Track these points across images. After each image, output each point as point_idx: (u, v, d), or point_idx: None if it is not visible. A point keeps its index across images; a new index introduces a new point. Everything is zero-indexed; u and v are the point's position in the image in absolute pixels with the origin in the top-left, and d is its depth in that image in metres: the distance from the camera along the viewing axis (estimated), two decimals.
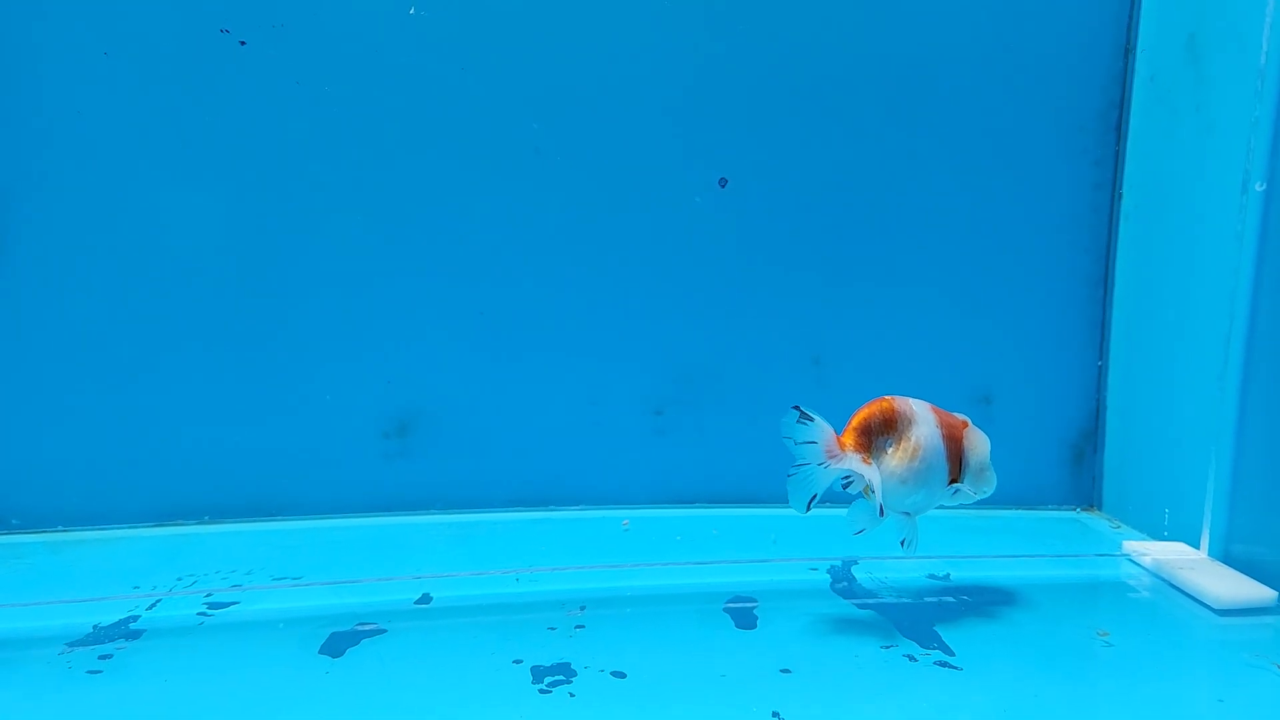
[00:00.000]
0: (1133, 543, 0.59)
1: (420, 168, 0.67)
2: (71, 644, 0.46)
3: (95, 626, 0.48)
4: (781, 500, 0.71)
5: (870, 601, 0.52)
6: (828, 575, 0.56)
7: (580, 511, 0.69)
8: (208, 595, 0.53)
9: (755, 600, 0.52)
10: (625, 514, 0.68)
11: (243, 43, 0.64)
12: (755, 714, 0.39)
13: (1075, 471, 0.71)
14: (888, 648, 0.46)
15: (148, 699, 0.41)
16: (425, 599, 0.53)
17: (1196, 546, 0.58)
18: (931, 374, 0.69)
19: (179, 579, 0.56)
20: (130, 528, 0.65)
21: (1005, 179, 0.69)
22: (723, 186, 0.69)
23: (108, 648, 0.46)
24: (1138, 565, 0.58)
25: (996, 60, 0.68)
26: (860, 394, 0.71)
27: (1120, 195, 0.68)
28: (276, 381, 0.67)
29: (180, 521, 0.66)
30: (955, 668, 0.44)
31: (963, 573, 0.56)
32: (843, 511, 0.71)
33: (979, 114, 0.68)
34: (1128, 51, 0.68)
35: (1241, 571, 0.54)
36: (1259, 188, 0.53)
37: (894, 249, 0.69)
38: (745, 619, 0.50)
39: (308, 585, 0.55)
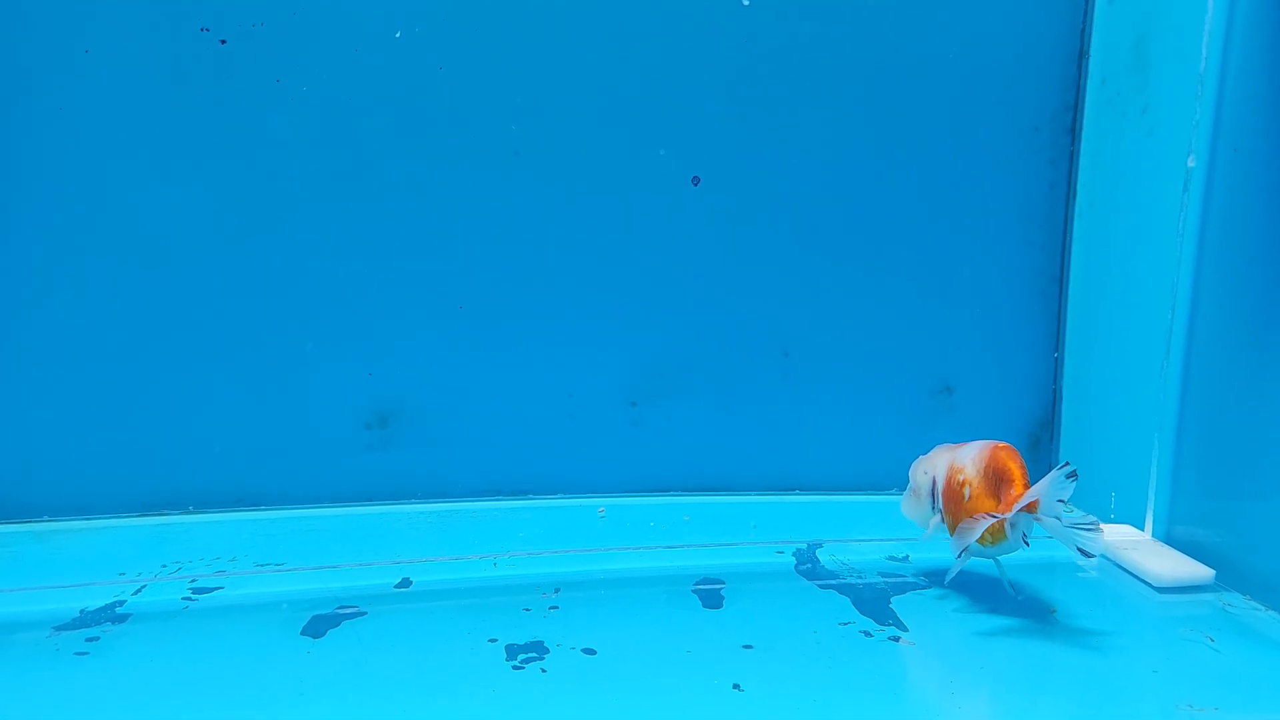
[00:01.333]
0: None
1: (400, 164, 0.68)
2: (59, 628, 0.48)
3: (82, 611, 0.50)
4: (751, 487, 0.75)
5: (831, 582, 0.55)
6: (793, 558, 0.59)
7: (557, 500, 0.71)
8: (192, 581, 0.55)
9: (723, 582, 0.54)
10: (601, 502, 0.70)
11: (223, 41, 0.66)
12: (717, 687, 0.42)
13: (1033, 459, 0.73)
14: (845, 624, 0.48)
15: (134, 679, 0.43)
16: (405, 583, 0.55)
17: (1141, 528, 0.61)
18: (896, 365, 0.72)
19: (164, 566, 0.57)
20: (115, 518, 0.66)
21: (966, 178, 0.72)
22: (695, 185, 0.71)
23: (94, 631, 0.48)
24: None
25: (957, 64, 0.70)
26: (827, 386, 0.75)
27: (1075, 193, 0.71)
28: (259, 373, 0.68)
29: (165, 511, 0.68)
30: (908, 642, 0.47)
31: (921, 554, 0.59)
32: (809, 497, 0.75)
33: (941, 115, 0.71)
34: (1081, 56, 0.70)
35: (1183, 551, 0.57)
36: (1190, 163, 0.56)
37: (860, 245, 0.72)
38: (712, 599, 0.52)
39: (290, 571, 0.57)
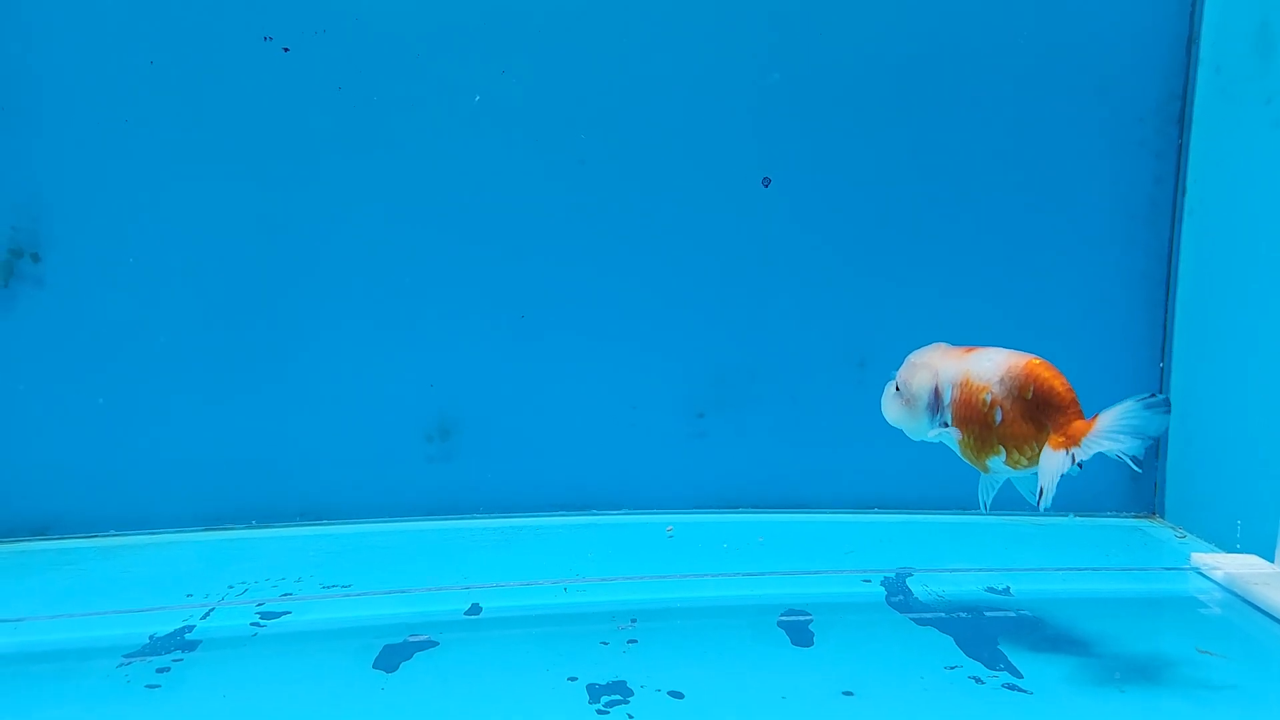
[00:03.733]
0: (1201, 555, 0.57)
1: (462, 172, 0.66)
2: (129, 655, 0.46)
3: (151, 637, 0.49)
4: (826, 504, 0.71)
5: (928, 616, 0.51)
6: (882, 588, 0.55)
7: (622, 516, 0.69)
8: (259, 605, 0.53)
9: (809, 614, 0.51)
10: (668, 519, 0.67)
11: (286, 49, 0.64)
12: None
13: (1134, 478, 0.68)
14: (952, 669, 0.45)
15: (206, 715, 0.41)
16: (475, 609, 0.52)
17: (1271, 560, 0.56)
18: None
19: (230, 587, 0.56)
20: (178, 532, 0.66)
21: (1061, 173, 0.67)
22: (766, 186, 0.67)
23: (164, 660, 0.46)
24: (1208, 579, 0.55)
25: (1051, 52, 0.66)
26: None
27: (1184, 190, 0.65)
28: (320, 386, 0.67)
29: (229, 526, 0.67)
30: (1024, 690, 0.43)
31: (1023, 586, 0.55)
32: (889, 516, 0.70)
33: (1030, 106, 0.66)
34: (1190, 41, 0.65)
35: None
36: None
37: (944, 248, 0.68)
38: (801, 634, 0.48)
39: (357, 595, 0.55)
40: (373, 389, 0.67)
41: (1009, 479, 0.47)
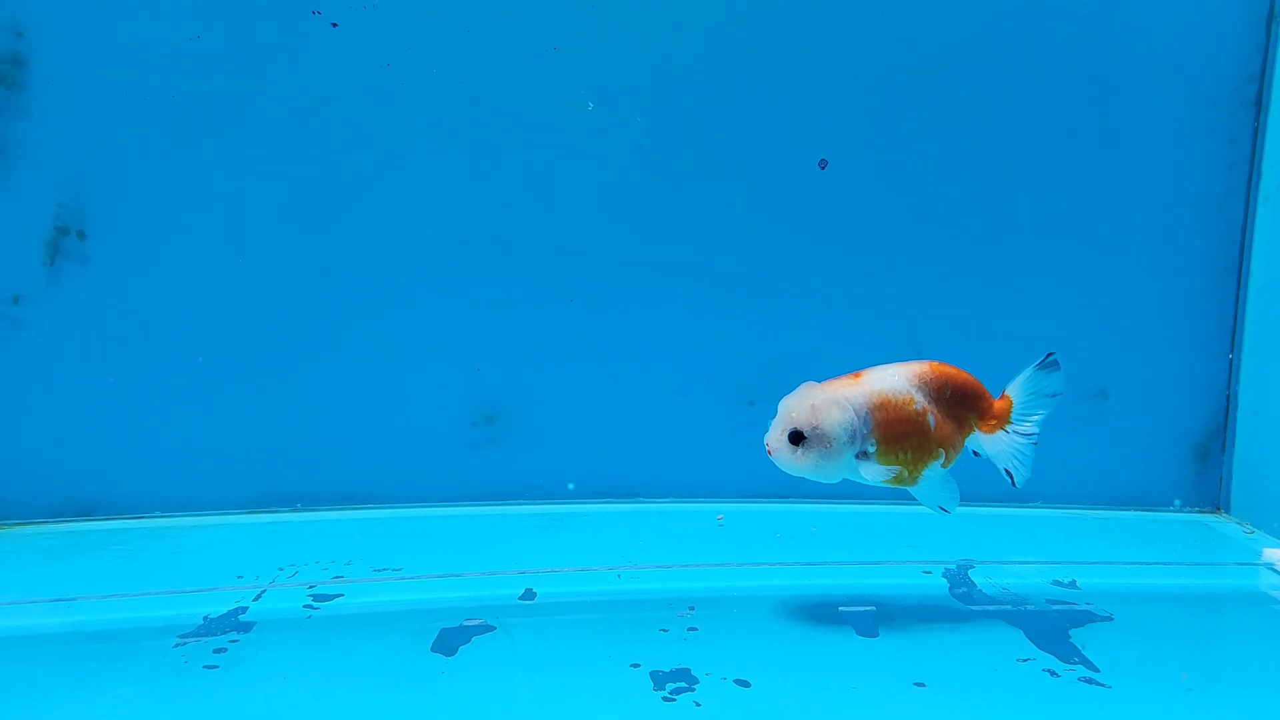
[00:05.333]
0: (1273, 550, 0.56)
1: (511, 153, 0.65)
2: (184, 636, 0.46)
3: (205, 618, 0.48)
4: (879, 495, 0.70)
5: (994, 609, 0.49)
6: (944, 579, 0.53)
7: (671, 504, 0.68)
8: (311, 587, 0.53)
9: (871, 605, 0.50)
10: (718, 508, 0.66)
11: (334, 24, 0.63)
12: None
13: (1200, 471, 0.66)
14: (1024, 661, 0.43)
15: (269, 696, 0.40)
16: (529, 594, 0.52)
17: None
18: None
19: (280, 569, 0.55)
20: (223, 514, 0.65)
21: (1128, 158, 0.65)
22: (823, 168, 0.66)
23: (220, 640, 0.46)
24: None
25: (1117, 30, 0.63)
26: None
27: (1259, 176, 0.63)
28: (365, 370, 0.66)
29: (273, 509, 0.66)
30: (1103, 685, 0.41)
31: (1089, 579, 0.53)
32: (959, 508, 0.69)
33: (1099, 90, 0.64)
34: (1270, 19, 0.62)
35: None
36: None
37: (1003, 233, 0.66)
38: (865, 625, 0.47)
39: (409, 578, 0.54)
40: (418, 374, 0.66)
41: (918, 494, 0.47)
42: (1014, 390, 0.47)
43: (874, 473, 0.45)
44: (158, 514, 0.65)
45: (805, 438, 0.44)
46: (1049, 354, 0.46)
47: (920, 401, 0.45)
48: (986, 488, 0.66)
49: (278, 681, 0.42)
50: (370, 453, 0.67)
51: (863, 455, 0.45)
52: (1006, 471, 0.47)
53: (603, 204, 0.66)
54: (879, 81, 0.64)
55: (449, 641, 0.45)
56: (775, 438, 0.45)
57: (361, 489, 0.67)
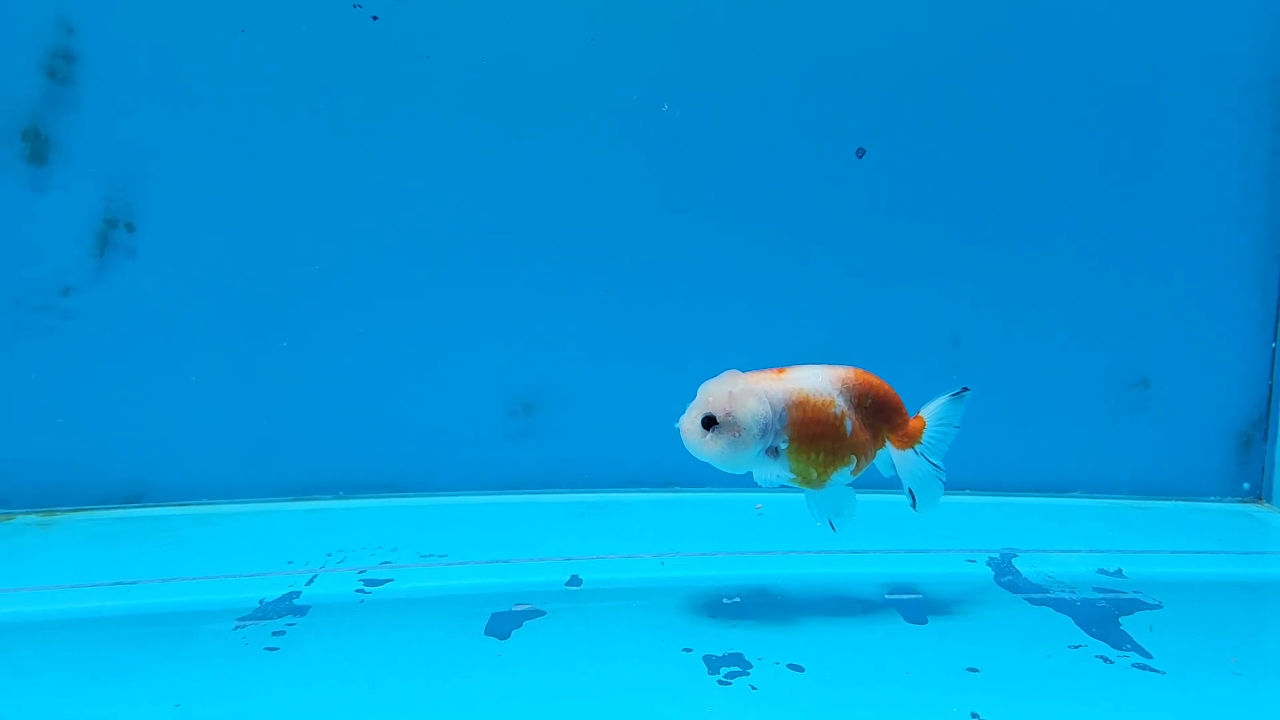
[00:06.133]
0: None
1: (547, 143, 0.65)
2: (243, 619, 0.47)
3: (261, 601, 0.49)
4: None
5: (1042, 597, 0.49)
6: (988, 568, 0.54)
7: (709, 494, 0.68)
8: (361, 572, 0.53)
9: (918, 592, 0.50)
10: (756, 497, 0.66)
11: (374, 18, 0.64)
12: (955, 715, 0.38)
13: (1242, 461, 0.66)
14: (1076, 648, 0.44)
15: (330, 676, 0.41)
16: (575, 580, 0.52)
17: None
18: (1085, 355, 0.66)
19: (329, 555, 0.56)
20: (267, 502, 0.66)
21: (1168, 145, 0.64)
22: (860, 157, 0.66)
23: (278, 623, 0.46)
24: None
25: (1156, 15, 0.63)
26: (1003, 378, 0.69)
27: None
28: (404, 359, 0.66)
29: (315, 497, 0.67)
30: (1156, 670, 0.41)
31: (1135, 568, 0.53)
32: (983, 498, 0.69)
33: (1138, 76, 0.64)
34: None
35: None
36: None
37: (1043, 221, 0.65)
38: (913, 612, 0.47)
39: (455, 564, 0.55)
40: (456, 364, 0.67)
41: (811, 500, 0.47)
42: (928, 413, 0.47)
43: (778, 471, 0.45)
44: (203, 501, 0.66)
45: (717, 423, 0.44)
46: (964, 388, 0.47)
47: (840, 406, 0.45)
48: (1024, 477, 0.68)
49: (338, 663, 0.42)
50: (409, 442, 0.68)
51: (773, 451, 0.45)
52: (909, 491, 0.47)
53: (639, 195, 0.66)
54: (919, 71, 0.64)
55: (502, 625, 0.46)
56: (689, 420, 0.45)
57: (401, 477, 0.68)
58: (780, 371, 0.46)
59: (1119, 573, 0.53)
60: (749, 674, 0.41)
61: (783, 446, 0.45)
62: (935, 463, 0.47)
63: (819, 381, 0.45)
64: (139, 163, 0.63)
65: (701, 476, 0.74)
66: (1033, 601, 0.49)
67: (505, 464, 0.69)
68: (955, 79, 0.64)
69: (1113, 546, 0.57)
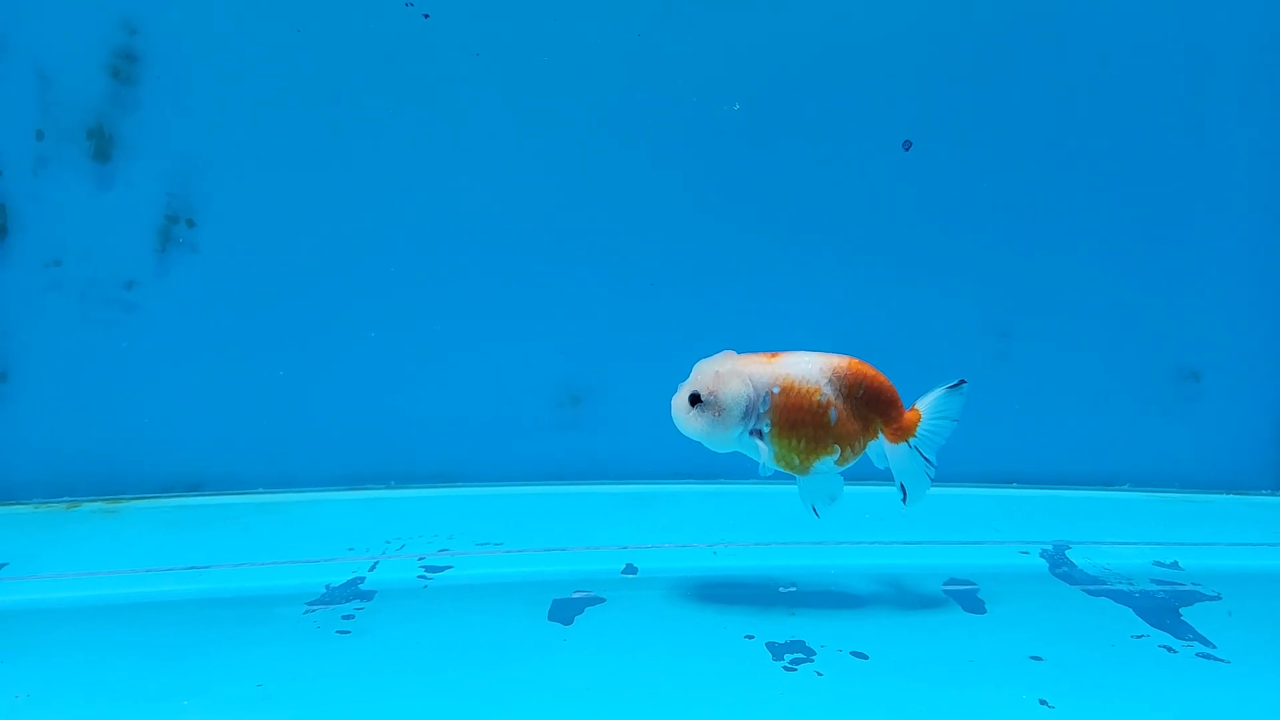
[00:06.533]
0: None
1: (593, 140, 0.65)
2: (312, 604, 0.48)
3: (327, 586, 0.50)
4: (963, 478, 0.70)
5: (1099, 588, 0.50)
6: (1042, 559, 0.54)
7: (755, 485, 0.69)
8: (420, 559, 0.55)
9: (974, 583, 0.50)
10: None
11: (426, 16, 0.65)
12: (1023, 701, 0.38)
13: None
14: (1139, 638, 0.44)
15: (405, 659, 0.42)
16: (630, 569, 0.53)
17: None
18: (1134, 347, 0.65)
19: (387, 542, 0.57)
20: (322, 490, 0.67)
21: (1217, 134, 0.64)
22: (907, 150, 0.66)
23: (346, 608, 0.48)
24: None
25: (1212, 20, 0.62)
26: (1052, 371, 0.69)
27: None
28: (454, 352, 0.67)
29: (368, 486, 0.68)
30: (1221, 660, 0.42)
31: (1191, 561, 0.53)
32: (1032, 491, 0.69)
33: (1184, 61, 0.63)
34: None
35: None
36: None
37: (1093, 213, 0.65)
38: (971, 602, 0.48)
39: (511, 552, 0.56)
40: (504, 356, 0.68)
41: (799, 485, 0.47)
42: (924, 405, 0.47)
43: (763, 453, 0.46)
44: (260, 489, 0.68)
45: (701, 401, 0.46)
46: (960, 380, 0.47)
47: (827, 394, 0.45)
48: (1073, 470, 0.67)
49: (410, 646, 0.44)
50: (459, 433, 0.69)
51: (756, 433, 0.45)
52: (901, 486, 0.47)
53: (686, 191, 0.66)
54: (966, 61, 0.64)
55: (564, 611, 0.47)
56: (679, 396, 0.47)
57: (451, 467, 0.69)
58: (774, 356, 0.46)
59: (1175, 565, 0.53)
60: (813, 660, 0.42)
61: (765, 430, 0.45)
62: (928, 458, 0.46)
63: (808, 369, 0.46)
64: (199, 160, 0.64)
65: (749, 469, 0.75)
66: (1090, 593, 0.49)
67: (553, 455, 0.69)
68: (1001, 69, 0.64)
69: (1167, 539, 0.57)
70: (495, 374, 0.69)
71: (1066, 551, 0.55)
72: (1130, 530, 0.58)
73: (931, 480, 0.46)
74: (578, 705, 0.38)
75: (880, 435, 0.46)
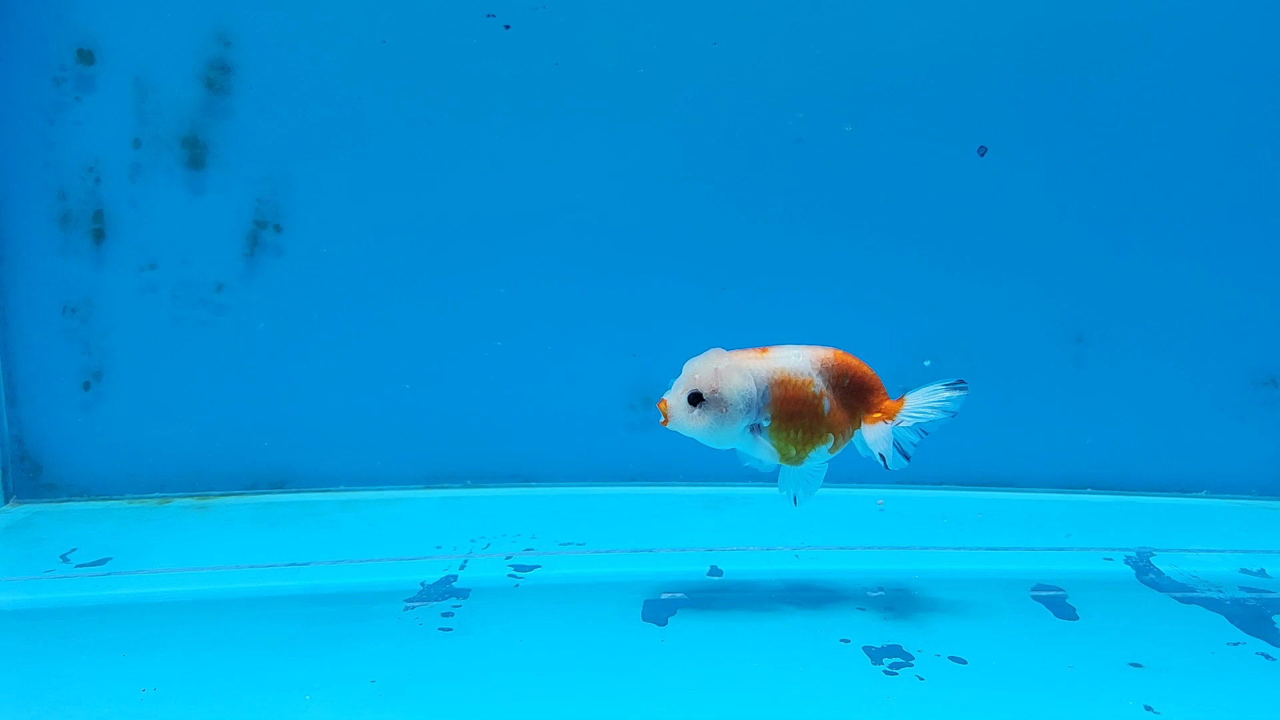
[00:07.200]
0: None
1: (672, 147, 0.66)
2: (410, 600, 0.50)
3: (422, 584, 0.52)
4: (1036, 483, 0.70)
5: (1189, 595, 0.50)
6: (1127, 566, 0.54)
7: (827, 488, 0.68)
8: (508, 558, 0.56)
9: (1061, 589, 0.51)
10: (876, 493, 0.67)
11: (507, 26, 0.66)
12: (1128, 707, 0.38)
13: None
14: (1236, 645, 0.44)
15: (509, 656, 0.43)
16: (715, 570, 0.54)
17: None
18: (1212, 353, 0.65)
19: (472, 540, 0.59)
20: (402, 489, 0.69)
21: None
22: (982, 155, 0.66)
23: (445, 605, 0.49)
24: None
25: None
26: (1128, 376, 0.69)
27: None
28: (529, 354, 0.69)
29: (446, 485, 0.70)
30: None
31: (1278, 569, 0.53)
32: (1110, 497, 0.68)
33: (1269, 54, 0.63)
34: None
35: None
36: None
37: (1170, 217, 0.65)
38: (1061, 609, 0.48)
39: (596, 553, 0.57)
40: (578, 357, 0.69)
41: (781, 474, 0.48)
42: (913, 396, 0.47)
43: (763, 448, 0.46)
44: (341, 487, 0.69)
45: (703, 400, 0.46)
46: (959, 380, 0.47)
47: (819, 385, 0.46)
48: (1150, 476, 0.67)
49: (513, 643, 0.45)
50: (533, 433, 0.70)
51: (756, 428, 0.46)
52: (880, 456, 0.47)
53: (762, 195, 0.67)
54: (1043, 64, 0.64)
55: (657, 612, 0.48)
56: (674, 397, 0.46)
57: (526, 467, 0.70)
58: (763, 351, 0.47)
59: (1262, 572, 0.53)
60: (912, 665, 0.42)
61: (765, 424, 0.46)
62: (908, 441, 0.47)
63: (799, 361, 0.47)
64: (287, 167, 0.66)
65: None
66: (1181, 599, 0.49)
67: (626, 456, 0.70)
68: (1081, 73, 0.64)
69: (1251, 546, 0.56)
70: (569, 375, 0.70)
71: (1151, 558, 0.55)
72: (1213, 537, 0.58)
73: (908, 459, 0.47)
74: (686, 706, 0.39)
75: (862, 422, 0.47)
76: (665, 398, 0.47)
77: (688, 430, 0.47)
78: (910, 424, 0.47)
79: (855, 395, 0.47)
